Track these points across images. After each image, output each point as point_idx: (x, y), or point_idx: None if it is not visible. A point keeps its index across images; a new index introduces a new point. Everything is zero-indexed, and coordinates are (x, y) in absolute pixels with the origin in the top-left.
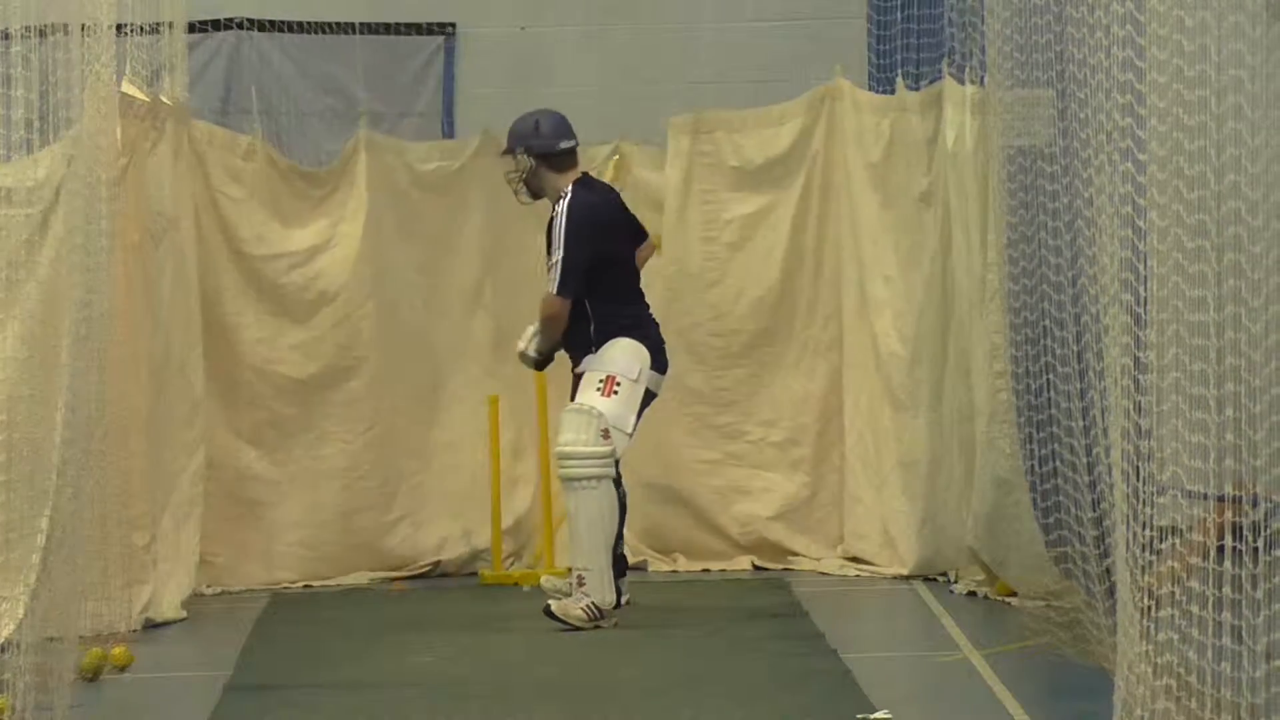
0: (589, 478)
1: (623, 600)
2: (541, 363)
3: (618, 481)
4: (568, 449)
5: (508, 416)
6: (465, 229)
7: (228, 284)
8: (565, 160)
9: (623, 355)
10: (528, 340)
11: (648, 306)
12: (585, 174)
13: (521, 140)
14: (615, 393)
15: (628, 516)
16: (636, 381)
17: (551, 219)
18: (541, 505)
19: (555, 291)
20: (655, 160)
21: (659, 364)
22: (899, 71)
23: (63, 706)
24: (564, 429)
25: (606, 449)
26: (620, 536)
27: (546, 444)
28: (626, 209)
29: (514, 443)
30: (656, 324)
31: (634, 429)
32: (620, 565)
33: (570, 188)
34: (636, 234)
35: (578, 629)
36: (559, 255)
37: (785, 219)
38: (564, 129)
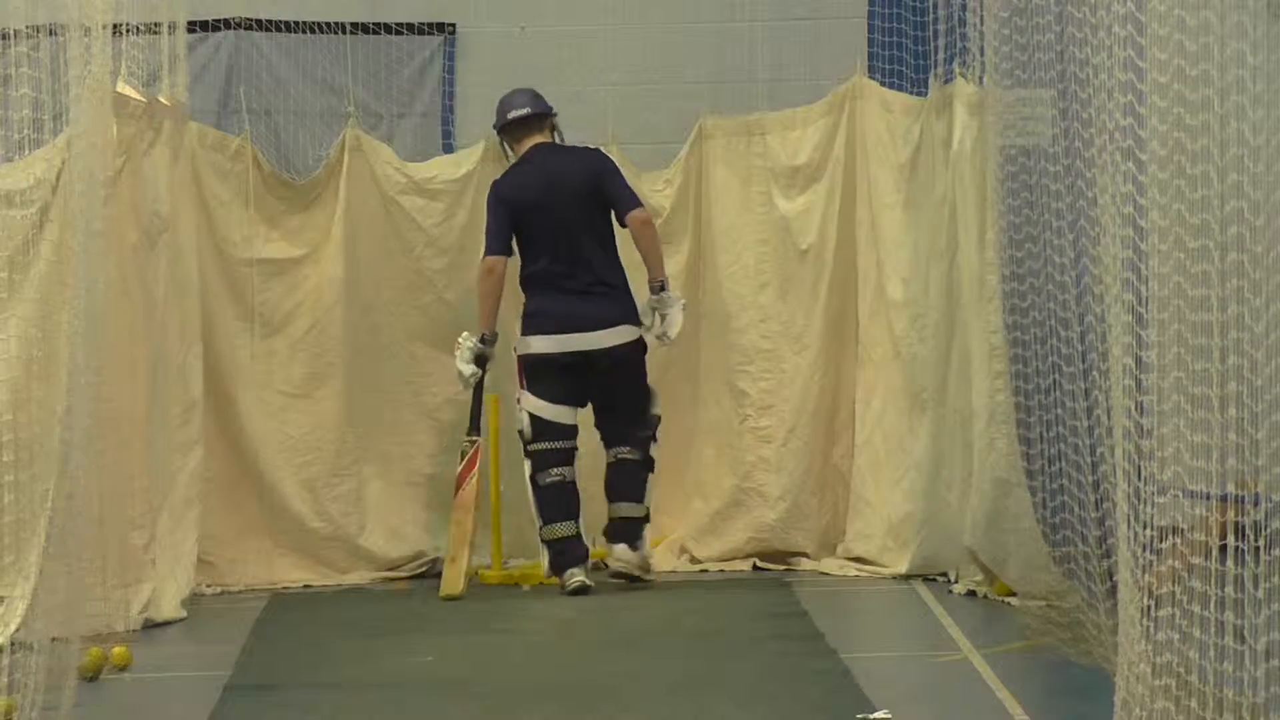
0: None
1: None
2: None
3: (552, 457)
4: None
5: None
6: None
7: (212, 286)
8: (517, 131)
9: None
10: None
11: (568, 280)
12: (542, 143)
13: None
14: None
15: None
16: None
17: None
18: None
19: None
20: (636, 169)
21: (550, 326)
22: (931, 73)
23: (66, 706)
24: None
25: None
26: (572, 516)
27: (498, 446)
28: (580, 180)
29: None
30: (569, 289)
31: (523, 400)
32: (580, 549)
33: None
34: (605, 206)
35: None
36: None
37: (815, 219)
38: (512, 100)
